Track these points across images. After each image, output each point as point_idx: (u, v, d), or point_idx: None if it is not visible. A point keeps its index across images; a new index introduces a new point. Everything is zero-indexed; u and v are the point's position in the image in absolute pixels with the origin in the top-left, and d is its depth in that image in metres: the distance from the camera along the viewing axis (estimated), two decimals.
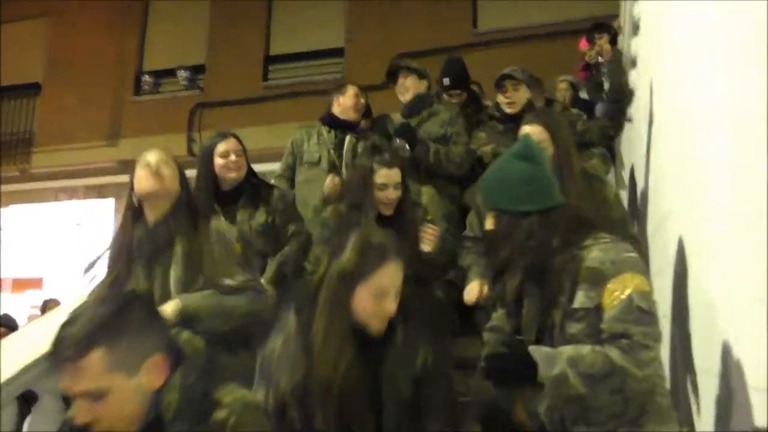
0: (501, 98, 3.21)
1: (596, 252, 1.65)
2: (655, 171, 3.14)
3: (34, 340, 2.49)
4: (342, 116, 3.70)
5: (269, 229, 2.88)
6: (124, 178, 10.28)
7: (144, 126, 9.49)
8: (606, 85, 4.48)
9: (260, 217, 2.87)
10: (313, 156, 3.64)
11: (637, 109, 3.78)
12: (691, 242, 2.37)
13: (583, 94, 5.32)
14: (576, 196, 2.24)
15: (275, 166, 3.99)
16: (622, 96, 2.93)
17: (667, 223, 2.88)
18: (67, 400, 2.51)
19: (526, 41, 8.05)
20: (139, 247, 2.19)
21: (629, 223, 2.27)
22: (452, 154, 3.26)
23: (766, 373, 1.61)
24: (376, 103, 8.48)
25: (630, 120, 4.07)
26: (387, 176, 2.50)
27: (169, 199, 2.22)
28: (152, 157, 2.27)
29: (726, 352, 1.98)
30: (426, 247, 2.49)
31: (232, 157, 2.86)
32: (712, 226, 2.06)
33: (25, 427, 2.58)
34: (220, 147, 2.86)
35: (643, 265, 1.73)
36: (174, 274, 2.14)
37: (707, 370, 2.25)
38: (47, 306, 6.24)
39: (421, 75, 3.63)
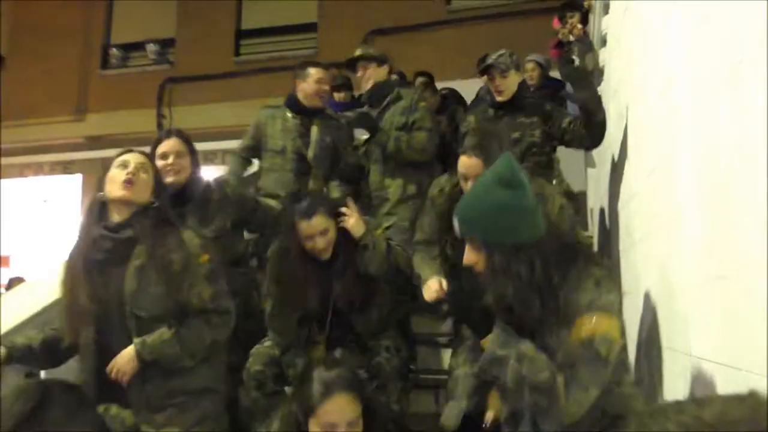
0: (491, 86, 3.19)
1: (582, 292, 1.61)
2: (621, 151, 3.18)
3: None
4: (305, 102, 3.61)
5: (222, 233, 2.72)
6: (91, 154, 10.14)
7: (112, 101, 9.31)
8: (577, 64, 4.51)
9: (212, 223, 2.70)
10: (276, 144, 3.57)
11: (606, 88, 3.82)
12: (655, 218, 2.42)
13: (556, 73, 5.35)
14: None
15: None
16: (595, 108, 2.87)
17: (631, 202, 2.93)
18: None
19: (499, 19, 8.05)
20: (97, 248, 2.05)
21: (577, 231, 2.27)
22: (414, 140, 3.23)
23: (723, 347, 1.67)
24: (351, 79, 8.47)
25: None
26: (308, 227, 2.43)
27: (134, 207, 2.10)
28: (131, 159, 2.13)
29: (686, 328, 2.03)
30: (352, 230, 2.47)
31: (170, 159, 2.63)
32: (675, 203, 2.10)
33: None
34: (160, 148, 2.65)
35: (618, 306, 1.68)
36: (128, 286, 2.00)
37: (670, 347, 2.31)
38: (12, 284, 6.13)
39: (380, 62, 3.57)
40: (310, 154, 3.50)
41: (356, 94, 5.35)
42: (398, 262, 2.61)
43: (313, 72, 3.59)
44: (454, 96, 5.46)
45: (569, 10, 4.63)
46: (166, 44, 9.65)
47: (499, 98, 3.13)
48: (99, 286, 2.02)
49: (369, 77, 3.50)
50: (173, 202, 2.57)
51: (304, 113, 3.58)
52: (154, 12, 9.72)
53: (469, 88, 5.95)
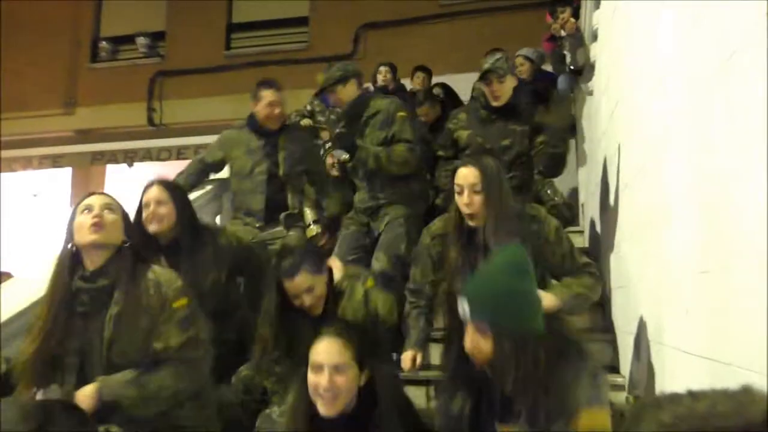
0: (486, 90, 3.16)
1: (581, 387, 1.65)
2: (612, 147, 3.19)
3: None
4: (262, 124, 3.59)
5: (220, 285, 2.68)
6: (81, 148, 10.08)
7: (102, 94, 9.25)
8: (568, 58, 4.53)
9: (209, 276, 2.63)
10: (244, 168, 3.57)
11: (597, 83, 3.83)
12: (645, 214, 2.43)
13: (549, 66, 5.37)
14: (507, 238, 2.24)
15: None
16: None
17: (622, 198, 2.95)
18: None
19: (490, 13, 8.04)
20: (76, 299, 1.97)
21: (576, 253, 2.31)
22: (394, 154, 3.18)
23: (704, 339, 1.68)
24: None
25: (591, 93, 4.12)
26: (292, 287, 2.35)
27: (111, 248, 2.02)
28: (95, 201, 2.04)
29: (675, 324, 2.05)
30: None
31: (151, 208, 2.59)
32: (664, 200, 2.11)
33: None
34: (143, 197, 2.63)
35: (607, 394, 1.73)
36: (107, 333, 1.93)
37: (660, 342, 2.32)
38: (0, 279, 6.07)
39: (342, 81, 3.36)
40: (281, 171, 3.51)
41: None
42: (379, 311, 2.45)
43: (265, 95, 3.55)
44: (447, 92, 5.48)
45: (560, 5, 4.64)
46: (156, 37, 9.58)
47: (495, 103, 3.13)
48: (79, 335, 1.96)
49: (339, 100, 3.40)
50: (166, 253, 2.58)
51: (267, 134, 3.58)
52: (144, 5, 9.66)
53: (461, 83, 5.95)
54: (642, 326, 2.63)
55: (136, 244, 2.07)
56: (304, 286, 2.34)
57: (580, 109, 4.97)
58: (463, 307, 1.67)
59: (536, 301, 1.74)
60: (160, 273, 2.03)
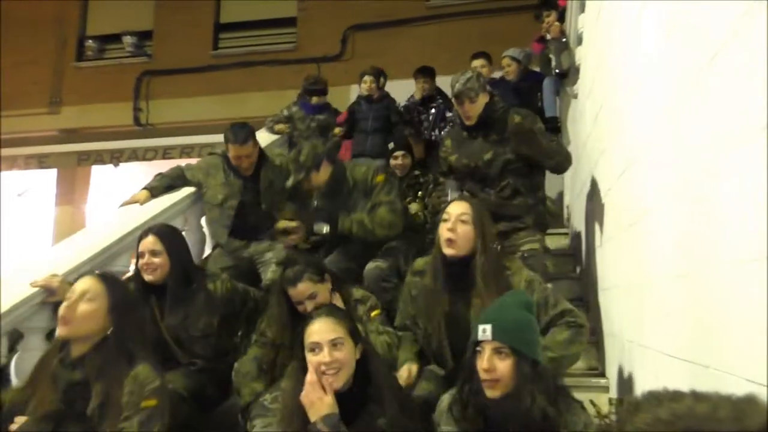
0: (459, 111, 3.20)
1: (576, 416, 1.81)
2: (595, 150, 3.22)
3: None
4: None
5: (210, 331, 2.70)
6: (66, 148, 9.96)
7: (88, 93, 9.17)
8: (553, 62, 4.55)
9: (199, 321, 2.66)
10: (216, 197, 3.59)
11: (582, 86, 3.85)
12: (626, 216, 2.45)
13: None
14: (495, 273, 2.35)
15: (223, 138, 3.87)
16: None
17: (605, 200, 2.97)
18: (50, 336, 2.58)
19: (478, 15, 8.07)
20: (57, 380, 1.93)
21: (552, 302, 2.31)
22: (377, 218, 3.23)
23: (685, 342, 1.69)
24: (328, 75, 8.44)
25: (576, 97, 4.14)
26: (296, 293, 2.48)
27: (92, 339, 1.94)
28: (75, 287, 1.99)
29: (656, 326, 2.07)
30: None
31: (146, 258, 2.62)
32: (644, 203, 2.13)
33: (12, 364, 2.59)
34: (139, 245, 2.67)
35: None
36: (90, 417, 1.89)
37: (642, 344, 2.34)
38: None
39: (327, 162, 3.37)
40: (264, 205, 3.57)
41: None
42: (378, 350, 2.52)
43: (230, 148, 3.53)
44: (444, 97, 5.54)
45: (545, 8, 4.66)
46: (143, 36, 9.50)
47: (467, 123, 3.16)
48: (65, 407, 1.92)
49: (317, 186, 3.39)
50: (157, 296, 2.64)
51: (243, 177, 3.61)
52: (131, 4, 9.57)
53: (449, 84, 5.96)
54: (624, 329, 2.65)
55: (124, 333, 1.98)
56: (307, 293, 2.46)
57: (565, 112, 5.00)
58: (484, 329, 1.77)
59: (539, 334, 1.93)
60: (140, 370, 1.94)
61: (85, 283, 1.98)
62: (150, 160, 8.96)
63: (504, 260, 2.47)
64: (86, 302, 1.93)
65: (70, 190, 9.59)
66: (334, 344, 1.87)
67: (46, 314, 2.65)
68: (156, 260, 2.62)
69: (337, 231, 3.21)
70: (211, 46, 9.26)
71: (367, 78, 5.36)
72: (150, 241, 2.65)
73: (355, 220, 3.23)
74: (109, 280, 2.05)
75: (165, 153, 8.88)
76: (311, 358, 1.88)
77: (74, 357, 1.93)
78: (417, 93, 5.45)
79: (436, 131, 5.20)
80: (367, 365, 1.94)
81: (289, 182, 3.48)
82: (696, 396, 0.69)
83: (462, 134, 3.19)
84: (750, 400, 0.67)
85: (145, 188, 3.63)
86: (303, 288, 2.46)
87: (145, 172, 9.61)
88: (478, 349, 1.80)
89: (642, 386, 2.31)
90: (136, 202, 3.53)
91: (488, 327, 1.77)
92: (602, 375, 3.17)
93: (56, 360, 1.94)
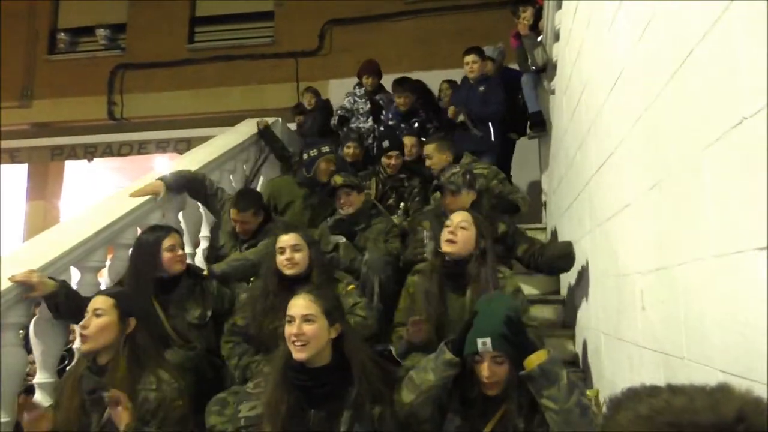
0: (442, 203, 3.35)
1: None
2: (572, 145, 3.25)
3: None
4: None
5: (203, 322, 2.89)
6: (39, 142, 9.72)
7: (60, 87, 9.01)
8: (529, 59, 4.58)
9: (195, 311, 2.88)
10: (218, 242, 3.80)
11: (559, 82, 3.89)
12: (604, 211, 2.48)
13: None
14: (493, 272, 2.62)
15: (201, 132, 3.90)
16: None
17: (582, 195, 3.01)
18: None
19: (455, 11, 8.09)
20: (83, 382, 2.17)
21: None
22: (390, 246, 3.41)
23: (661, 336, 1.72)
24: (305, 69, 8.41)
25: (553, 92, 4.17)
26: (284, 240, 2.76)
27: (111, 348, 2.18)
28: (90, 306, 2.21)
29: (633, 319, 2.10)
30: None
31: (179, 252, 2.91)
32: (621, 197, 2.16)
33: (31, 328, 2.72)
34: (167, 241, 2.88)
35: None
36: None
37: (619, 338, 2.37)
38: None
39: (360, 189, 3.68)
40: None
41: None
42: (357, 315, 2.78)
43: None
44: (423, 91, 5.59)
45: (522, 4, 4.68)
46: (117, 29, 9.34)
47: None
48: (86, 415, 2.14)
49: (353, 203, 3.58)
50: (166, 286, 2.85)
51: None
52: None
53: (426, 80, 6.00)
54: (601, 322, 2.69)
55: (128, 284, 2.29)
56: (292, 242, 2.74)
57: (543, 107, 5.03)
58: (484, 342, 1.93)
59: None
60: (161, 373, 2.18)
61: (96, 302, 2.22)
62: (125, 155, 8.84)
63: (498, 266, 2.73)
64: (98, 318, 2.17)
65: (43, 186, 9.42)
66: (306, 319, 2.03)
67: (22, 310, 2.62)
68: (185, 254, 2.99)
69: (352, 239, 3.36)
70: (187, 40, 9.15)
71: (307, 94, 5.94)
72: (179, 236, 2.98)
73: (370, 245, 3.36)
74: (116, 295, 2.30)
75: (140, 148, 8.76)
76: (286, 330, 2.05)
77: (100, 364, 2.16)
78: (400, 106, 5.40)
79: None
80: (344, 345, 2.09)
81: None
82: (672, 389, 0.71)
83: (441, 219, 3.13)
84: (723, 389, 0.69)
85: (160, 179, 3.66)
86: (291, 237, 2.77)
87: (119, 167, 9.50)
88: (477, 358, 1.96)
89: (617, 378, 2.34)
90: (152, 193, 3.54)
91: (488, 340, 1.94)
92: (579, 368, 3.21)
93: (84, 367, 2.18)
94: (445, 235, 2.66)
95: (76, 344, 2.67)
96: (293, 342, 2.02)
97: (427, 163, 3.99)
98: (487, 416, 1.97)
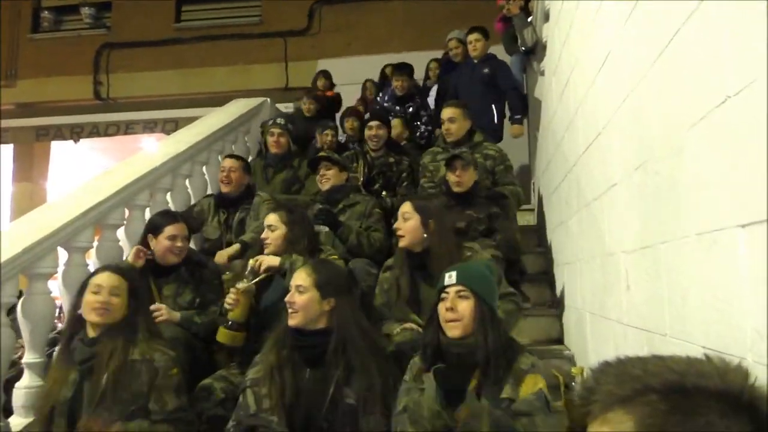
0: (451, 177, 3.36)
1: (524, 357, 1.94)
2: (560, 127, 3.26)
3: None
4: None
5: (192, 307, 2.88)
6: (24, 122, 9.62)
7: (44, 66, 8.89)
8: (519, 40, 4.57)
9: (187, 295, 2.88)
10: (214, 233, 3.75)
11: (549, 63, 3.88)
12: (591, 191, 2.50)
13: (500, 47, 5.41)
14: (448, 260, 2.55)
15: (188, 113, 3.87)
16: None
17: (569, 176, 3.02)
18: None
19: None
20: (75, 354, 2.23)
21: (503, 284, 2.63)
22: (373, 238, 3.37)
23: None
24: (293, 49, 8.34)
25: (542, 74, 4.17)
26: (270, 218, 2.86)
27: (108, 324, 2.26)
28: (104, 283, 2.27)
29: (618, 298, 2.12)
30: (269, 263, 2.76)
31: (179, 243, 2.88)
32: (608, 177, 2.18)
33: (19, 308, 2.73)
34: (169, 229, 2.87)
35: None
36: (98, 391, 2.14)
37: (604, 316, 2.40)
38: None
39: (342, 167, 3.62)
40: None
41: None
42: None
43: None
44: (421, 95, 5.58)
45: None
46: (102, 7, 9.22)
47: (456, 189, 3.33)
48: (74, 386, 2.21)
49: (330, 178, 3.54)
50: (162, 270, 2.86)
51: (226, 206, 3.79)
52: None
53: (416, 61, 5.98)
54: (586, 301, 2.72)
55: (136, 315, 2.29)
56: (272, 221, 2.84)
57: (532, 89, 5.03)
58: (450, 275, 1.98)
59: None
60: (153, 345, 2.24)
61: (115, 279, 2.29)
62: (112, 135, 8.77)
63: (465, 243, 2.74)
64: (115, 297, 2.26)
65: (29, 167, 9.33)
66: (297, 289, 2.22)
67: (10, 290, 2.62)
68: (186, 245, 2.95)
69: (335, 229, 3.31)
70: (174, 19, 9.05)
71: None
72: (184, 227, 2.94)
73: (355, 231, 3.33)
74: (126, 273, 2.40)
75: (127, 128, 8.69)
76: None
77: (90, 337, 2.23)
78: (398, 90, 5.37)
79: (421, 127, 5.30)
80: (336, 317, 2.21)
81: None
82: (659, 357, 0.68)
83: (442, 199, 3.31)
84: (718, 358, 0.66)
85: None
86: (275, 216, 2.85)
87: (106, 148, 9.42)
88: (443, 296, 1.98)
89: (602, 356, 2.37)
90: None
91: (453, 273, 2.00)
92: (564, 345, 3.26)
93: (77, 339, 2.25)
94: (396, 229, 2.72)
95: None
96: (287, 309, 2.21)
97: (447, 126, 3.83)
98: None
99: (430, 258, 2.61)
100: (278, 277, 2.71)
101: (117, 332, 2.22)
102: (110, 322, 2.23)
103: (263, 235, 2.84)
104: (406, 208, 2.73)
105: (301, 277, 2.24)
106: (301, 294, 2.20)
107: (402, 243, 2.70)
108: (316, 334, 2.19)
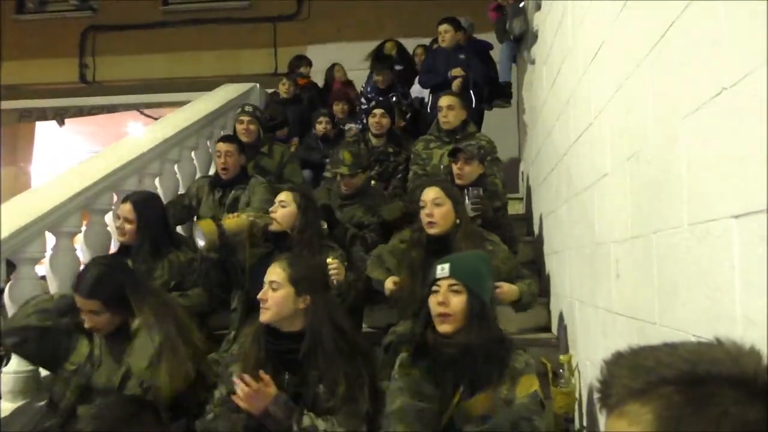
0: (454, 167, 3.31)
1: (518, 357, 1.95)
2: (551, 116, 3.27)
3: None
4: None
5: (167, 287, 2.88)
6: (6, 104, 9.44)
7: (29, 48, 8.73)
8: (508, 27, 4.57)
9: (159, 279, 2.88)
10: (209, 213, 3.69)
11: (540, 52, 3.88)
12: (581, 180, 2.51)
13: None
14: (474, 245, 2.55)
15: (175, 97, 3.84)
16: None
17: (560, 166, 3.03)
18: None
19: None
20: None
21: (521, 267, 2.72)
22: (366, 241, 3.38)
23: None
24: (282, 34, 8.26)
25: (533, 62, 4.17)
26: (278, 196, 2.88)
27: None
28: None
29: (607, 286, 2.14)
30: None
31: (117, 223, 2.94)
32: (598, 167, 2.19)
33: (6, 292, 2.72)
34: (117, 210, 2.96)
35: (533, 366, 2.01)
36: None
37: (593, 305, 2.42)
38: None
39: (364, 169, 3.65)
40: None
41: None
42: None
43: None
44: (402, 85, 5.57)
45: None
46: None
47: (458, 182, 3.24)
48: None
49: (349, 186, 3.56)
50: (133, 257, 2.87)
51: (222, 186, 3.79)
52: None
53: (407, 47, 5.97)
54: (575, 289, 2.74)
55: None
56: (285, 197, 2.82)
57: (521, 77, 5.04)
58: (442, 267, 1.93)
59: (492, 289, 2.13)
60: (141, 324, 2.24)
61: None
62: (96, 114, 8.68)
63: (488, 236, 2.71)
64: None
65: (12, 150, 9.20)
66: (271, 284, 2.11)
67: None
68: (131, 227, 2.91)
69: (331, 228, 3.31)
70: (161, 2, 8.92)
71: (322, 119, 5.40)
72: (129, 208, 2.92)
73: (350, 233, 3.35)
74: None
75: (113, 111, 8.60)
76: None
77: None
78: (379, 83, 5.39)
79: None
80: (311, 318, 2.11)
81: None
82: (670, 345, 0.66)
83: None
84: (735, 343, 0.64)
85: None
86: (282, 196, 2.85)
87: (91, 131, 9.30)
88: (434, 288, 1.94)
89: (591, 344, 2.40)
90: None
91: (446, 266, 1.94)
92: (552, 333, 3.28)
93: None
94: (423, 218, 2.60)
95: None
96: (260, 305, 2.12)
97: (445, 113, 3.84)
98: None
99: (453, 245, 2.52)
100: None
101: (111, 319, 2.25)
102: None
103: (271, 209, 2.79)
104: (436, 193, 2.61)
105: (275, 272, 2.13)
106: (275, 291, 2.09)
107: (433, 230, 2.58)
108: (291, 337, 2.09)
